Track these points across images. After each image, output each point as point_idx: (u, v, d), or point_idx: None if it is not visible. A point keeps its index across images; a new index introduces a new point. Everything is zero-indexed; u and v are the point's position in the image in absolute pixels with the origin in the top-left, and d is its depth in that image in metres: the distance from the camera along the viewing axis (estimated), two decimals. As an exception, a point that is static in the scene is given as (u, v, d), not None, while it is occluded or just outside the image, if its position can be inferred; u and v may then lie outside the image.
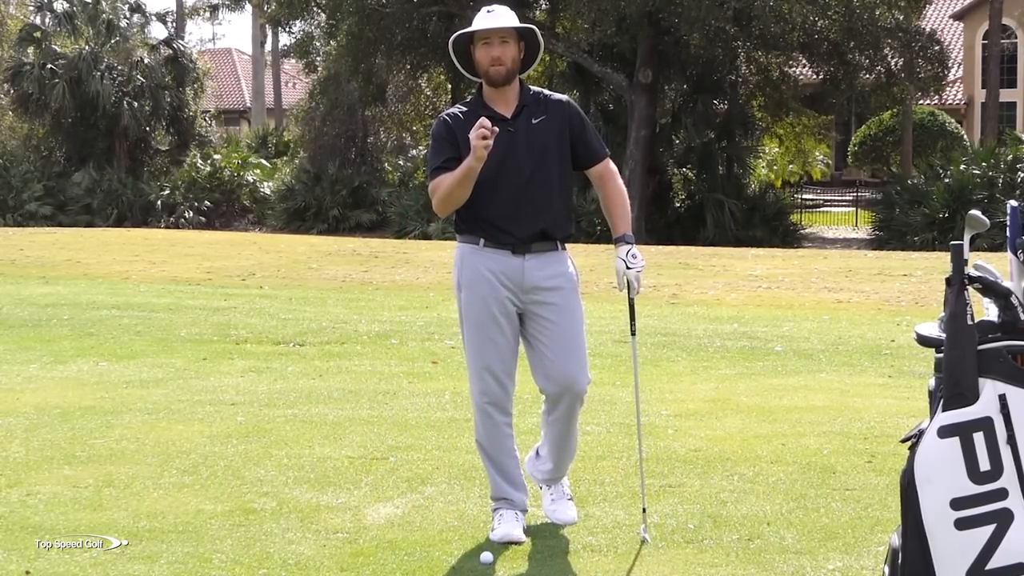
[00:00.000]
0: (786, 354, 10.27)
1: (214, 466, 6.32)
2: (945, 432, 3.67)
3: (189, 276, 17.75)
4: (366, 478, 6.07)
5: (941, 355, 3.72)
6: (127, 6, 39.39)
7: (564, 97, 5.26)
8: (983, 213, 3.86)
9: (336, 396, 8.34)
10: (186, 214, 35.43)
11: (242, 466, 6.32)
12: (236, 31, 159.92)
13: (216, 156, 37.57)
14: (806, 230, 31.99)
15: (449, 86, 35.16)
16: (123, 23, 38.97)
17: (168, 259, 20.43)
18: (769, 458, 6.42)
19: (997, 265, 3.87)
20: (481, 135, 4.82)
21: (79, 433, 7.09)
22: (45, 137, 38.33)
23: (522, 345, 5.21)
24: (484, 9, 5.13)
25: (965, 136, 40.07)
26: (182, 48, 39.31)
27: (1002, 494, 3.65)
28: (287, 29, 37.66)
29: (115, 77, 36.82)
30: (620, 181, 5.27)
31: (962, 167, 27.91)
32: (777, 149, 37.16)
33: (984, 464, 3.65)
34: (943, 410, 3.69)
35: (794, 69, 32.21)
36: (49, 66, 36.15)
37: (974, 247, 3.98)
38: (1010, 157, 27.73)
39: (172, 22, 42.73)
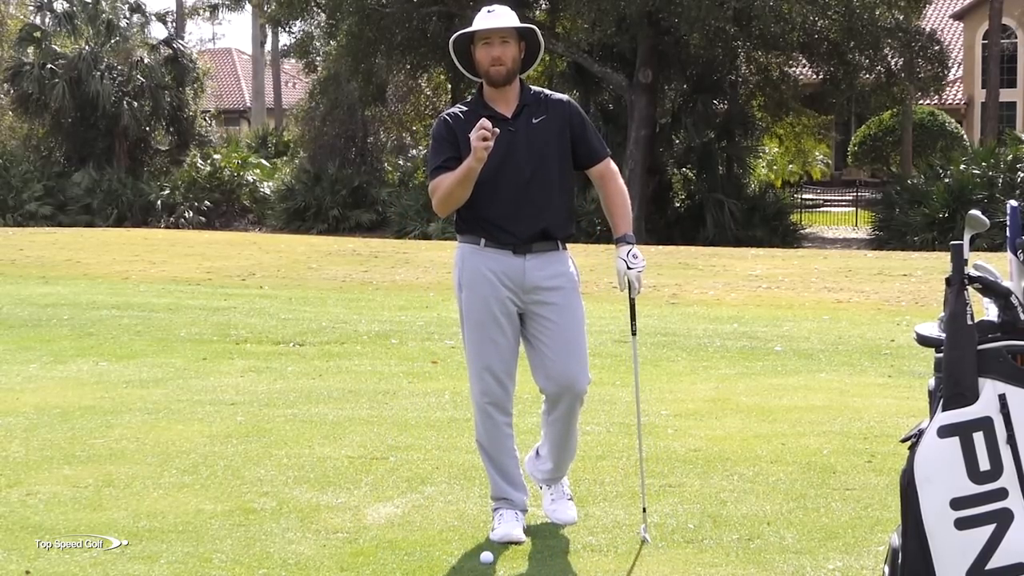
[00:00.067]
0: (786, 354, 10.27)
1: (214, 466, 6.32)
2: (945, 432, 3.67)
3: (189, 276, 17.75)
4: (366, 478, 6.07)
5: (941, 355, 3.72)
6: (127, 6, 39.39)
7: (564, 97, 5.26)
8: (983, 213, 3.86)
9: (336, 396, 8.34)
10: (186, 214, 35.43)
11: (242, 466, 6.32)
12: (236, 31, 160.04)
13: (216, 156, 37.58)
14: (806, 230, 32.00)
15: (449, 86, 35.17)
16: (123, 23, 38.99)
17: (168, 259, 20.43)
18: (769, 458, 6.42)
19: (997, 265, 3.87)
20: (481, 136, 4.82)
21: (79, 433, 7.09)
22: (45, 137, 38.34)
23: (522, 345, 5.21)
24: (484, 9, 5.13)
25: (965, 136, 40.07)
26: (182, 48, 39.32)
27: (1002, 494, 3.65)
28: (287, 29, 37.68)
29: (115, 77, 36.83)
30: (621, 181, 5.27)
31: (962, 167, 27.91)
32: (777, 149, 37.17)
33: (984, 464, 3.65)
34: (943, 410, 3.69)
35: (794, 69, 32.21)
36: (49, 66, 36.16)
37: (974, 247, 3.98)
38: (1010, 157, 27.74)
39: (172, 22, 42.73)
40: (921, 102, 38.77)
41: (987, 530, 3.64)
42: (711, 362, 9.90)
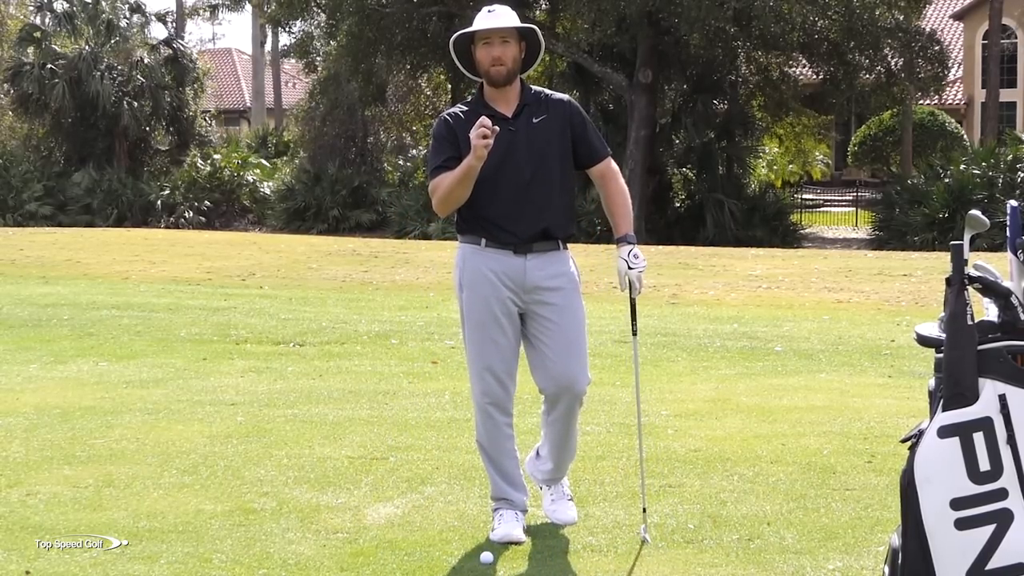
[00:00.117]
0: (786, 354, 10.27)
1: (214, 466, 6.32)
2: (945, 432, 3.67)
3: (189, 276, 17.75)
4: (366, 478, 6.07)
5: (941, 355, 3.72)
6: (127, 6, 39.39)
7: (565, 96, 5.26)
8: (983, 213, 3.86)
9: (336, 396, 8.34)
10: (186, 214, 35.43)
11: (242, 466, 6.32)
12: (236, 31, 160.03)
13: (216, 156, 37.58)
14: (806, 230, 32.00)
15: (449, 86, 35.17)
16: (123, 23, 38.99)
17: (168, 259, 20.43)
18: (769, 458, 6.41)
19: (997, 265, 3.87)
20: (481, 134, 4.82)
21: (79, 433, 7.09)
22: (45, 137, 38.34)
23: (522, 344, 5.21)
24: (485, 9, 5.13)
25: (965, 136, 40.07)
26: (182, 48, 39.32)
27: (1002, 494, 3.65)
28: (287, 29, 37.67)
29: (115, 77, 36.83)
30: (622, 181, 5.27)
31: (962, 167, 27.91)
32: (777, 149, 37.17)
33: (984, 464, 3.65)
34: (943, 410, 3.69)
35: (794, 69, 32.22)
36: (49, 66, 36.16)
37: (974, 247, 3.98)
38: (1010, 157, 27.74)
39: (172, 22, 42.72)
40: (921, 102, 38.77)
41: (987, 530, 3.64)
42: (711, 362, 9.90)
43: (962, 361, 3.67)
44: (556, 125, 5.13)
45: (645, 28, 28.11)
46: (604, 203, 5.25)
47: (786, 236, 29.69)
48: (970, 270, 3.77)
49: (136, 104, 36.67)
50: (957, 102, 44.56)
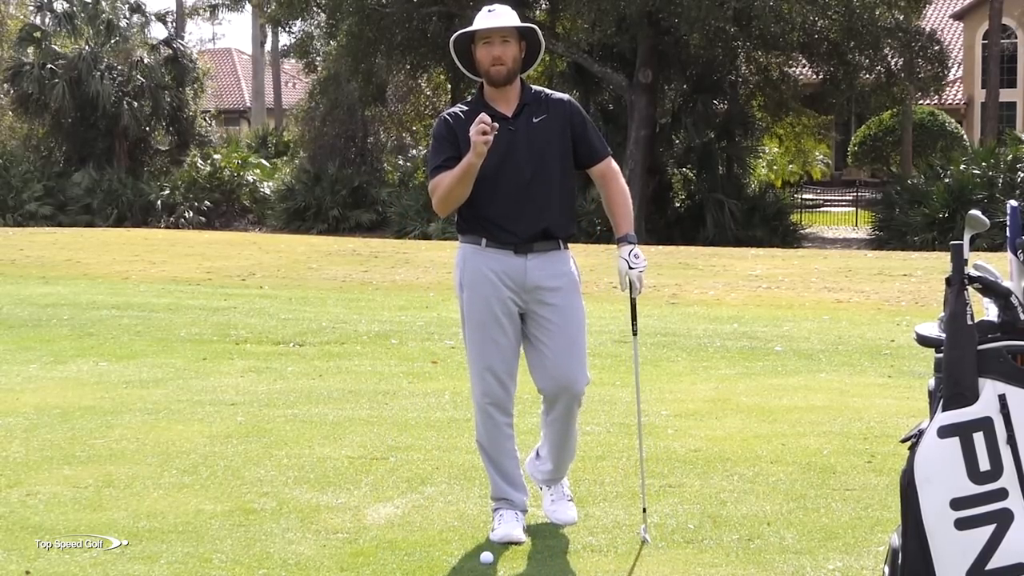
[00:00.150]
0: (786, 354, 10.27)
1: (214, 466, 6.32)
2: (945, 432, 3.67)
3: (189, 276, 17.75)
4: (366, 478, 6.07)
5: (941, 355, 3.72)
6: (127, 6, 39.40)
7: (565, 96, 5.26)
8: (983, 213, 3.86)
9: (336, 396, 8.34)
10: (186, 214, 35.43)
11: (242, 466, 6.32)
12: (236, 31, 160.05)
13: (216, 156, 37.59)
14: (806, 230, 32.00)
15: (449, 86, 35.17)
16: (123, 23, 38.99)
17: (168, 259, 20.43)
18: (769, 458, 6.41)
19: (997, 265, 3.87)
20: (481, 130, 4.82)
21: (79, 433, 7.09)
22: (45, 137, 38.34)
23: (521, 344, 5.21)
24: (485, 8, 5.13)
25: (965, 136, 40.07)
26: (182, 48, 39.32)
27: (1002, 494, 3.65)
28: (287, 29, 37.69)
29: (115, 77, 36.83)
30: (622, 180, 5.26)
31: (962, 167, 27.91)
32: (777, 149, 37.17)
33: (984, 464, 3.65)
34: (943, 410, 3.69)
35: (794, 69, 32.22)
36: (49, 66, 36.16)
37: (974, 247, 3.98)
38: (1010, 157, 27.74)
39: (172, 22, 42.73)
40: (921, 102, 38.77)
41: (987, 530, 3.64)
42: (711, 362, 9.90)
43: (962, 361, 3.67)
44: (556, 125, 5.13)
45: (645, 28, 28.11)
46: (605, 203, 5.25)
47: (786, 236, 29.69)
48: (970, 270, 3.77)
49: (136, 104, 36.67)
50: (957, 102, 44.56)
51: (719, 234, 28.63)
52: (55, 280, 17.04)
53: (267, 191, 36.03)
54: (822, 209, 37.82)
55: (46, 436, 7.01)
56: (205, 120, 40.96)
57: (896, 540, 3.83)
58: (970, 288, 3.72)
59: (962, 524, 3.64)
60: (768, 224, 29.80)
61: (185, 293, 15.41)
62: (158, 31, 43.36)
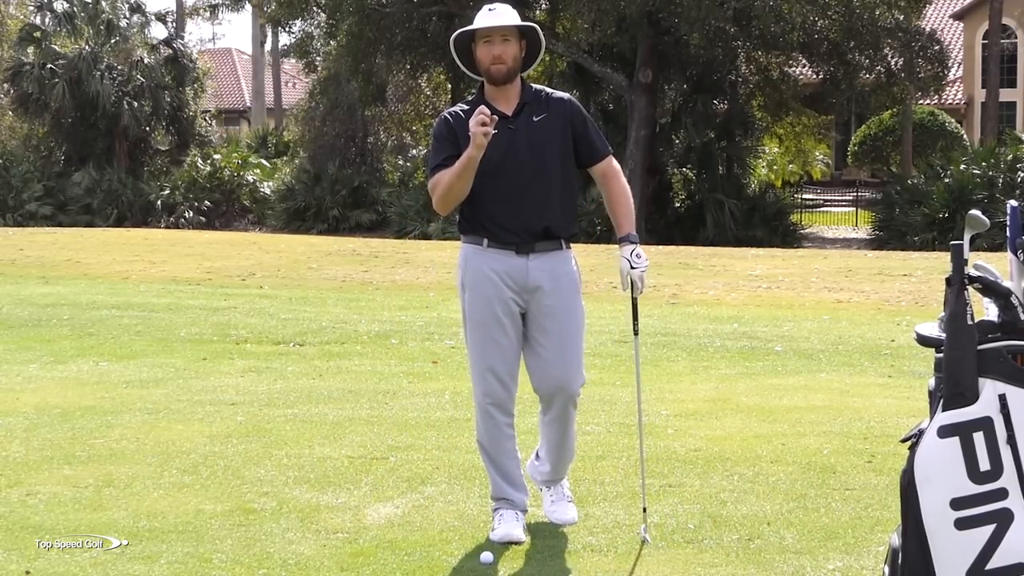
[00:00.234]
0: (786, 354, 10.27)
1: (214, 466, 6.32)
2: (945, 432, 3.67)
3: (189, 276, 17.75)
4: (366, 478, 6.07)
5: (941, 355, 3.72)
6: (127, 6, 39.39)
7: (566, 95, 5.25)
8: (983, 213, 3.86)
9: (336, 396, 8.34)
10: (186, 214, 35.43)
11: (242, 466, 6.32)
12: (236, 31, 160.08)
13: (216, 156, 37.58)
14: (806, 230, 31.99)
15: (449, 86, 35.17)
16: (123, 23, 38.99)
17: (168, 259, 20.43)
18: (769, 458, 6.41)
19: (997, 265, 3.87)
20: (480, 121, 4.82)
21: (79, 433, 7.09)
22: (45, 137, 38.34)
23: (519, 344, 5.22)
24: (485, 7, 5.13)
25: (965, 136, 40.07)
26: (182, 48, 39.32)
27: (1002, 494, 3.65)
28: (287, 29, 37.68)
29: (115, 77, 36.83)
30: (624, 180, 5.26)
31: (962, 167, 27.91)
32: (777, 149, 37.17)
33: (984, 464, 3.65)
34: (943, 410, 3.69)
35: (794, 69, 32.22)
36: (49, 66, 36.16)
37: (974, 247, 3.98)
38: (1010, 157, 27.74)
39: (172, 22, 42.73)
40: (921, 102, 38.77)
41: (987, 530, 3.64)
42: (711, 362, 9.90)
43: (962, 361, 3.67)
44: (557, 124, 5.13)
45: (645, 28, 28.11)
46: (606, 202, 5.25)
47: (786, 236, 29.69)
48: (970, 270, 3.77)
49: (136, 104, 36.67)
50: (957, 102, 44.56)
51: (719, 234, 28.63)
52: (55, 280, 17.04)
53: (267, 191, 36.03)
54: (822, 209, 37.82)
55: (46, 436, 7.01)
56: (205, 120, 40.97)
57: (896, 540, 3.83)
58: (970, 288, 3.72)
59: (962, 524, 3.64)
60: (768, 224, 29.80)
61: (185, 293, 15.41)
62: (158, 31, 43.43)
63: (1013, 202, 3.93)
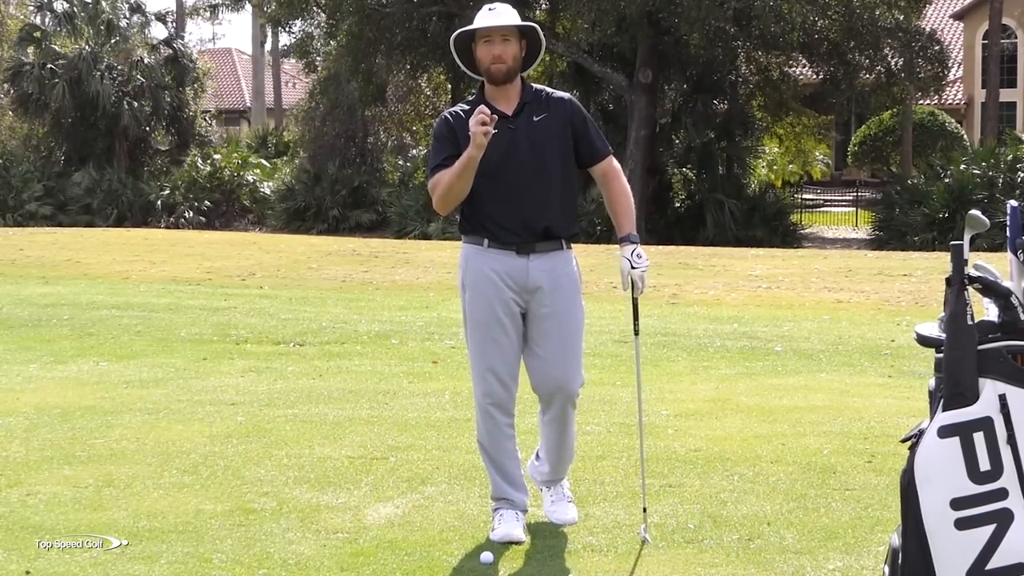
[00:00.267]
0: (786, 354, 10.27)
1: (214, 466, 6.32)
2: (945, 432, 3.67)
3: (189, 276, 17.75)
4: (366, 478, 6.07)
5: (941, 355, 3.72)
6: (127, 6, 39.40)
7: (566, 95, 5.25)
8: (983, 213, 3.86)
9: (336, 396, 8.34)
10: (186, 214, 35.43)
11: (242, 466, 6.32)
12: (236, 31, 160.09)
13: (216, 156, 37.58)
14: (806, 230, 31.99)
15: (449, 86, 35.17)
16: (123, 23, 38.99)
17: (168, 259, 20.43)
18: (769, 458, 6.41)
19: (997, 265, 3.87)
20: (480, 120, 4.82)
21: (79, 433, 7.09)
22: (45, 137, 38.34)
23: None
24: (486, 7, 5.13)
25: (965, 136, 40.08)
26: (182, 48, 39.31)
27: (1002, 494, 3.65)
28: (287, 29, 37.68)
29: (115, 77, 36.83)
30: (624, 179, 5.26)
31: (962, 167, 27.91)
32: (777, 149, 37.17)
33: (984, 464, 3.65)
34: (943, 410, 3.69)
35: (794, 69, 32.22)
36: (49, 66, 36.16)
37: (974, 247, 3.98)
38: (1010, 157, 27.74)
39: (172, 22, 42.73)
40: (921, 102, 38.77)
41: (987, 530, 3.64)
42: (711, 362, 9.90)
43: (962, 361, 3.67)
44: (557, 123, 5.13)
45: (645, 28, 28.11)
46: (607, 202, 5.25)
47: (786, 236, 29.68)
48: (970, 270, 3.77)
49: (136, 104, 36.67)
50: (957, 102, 44.56)
51: (719, 234, 28.63)
52: (55, 280, 17.04)
53: (267, 191, 36.03)
54: (822, 209, 37.81)
55: (46, 436, 7.01)
56: (205, 120, 40.97)
57: (896, 540, 3.83)
58: (970, 288, 3.72)
59: (962, 524, 3.64)
60: (768, 224, 29.80)
61: (185, 293, 15.41)
62: (158, 31, 43.36)
63: (1013, 202, 3.93)
